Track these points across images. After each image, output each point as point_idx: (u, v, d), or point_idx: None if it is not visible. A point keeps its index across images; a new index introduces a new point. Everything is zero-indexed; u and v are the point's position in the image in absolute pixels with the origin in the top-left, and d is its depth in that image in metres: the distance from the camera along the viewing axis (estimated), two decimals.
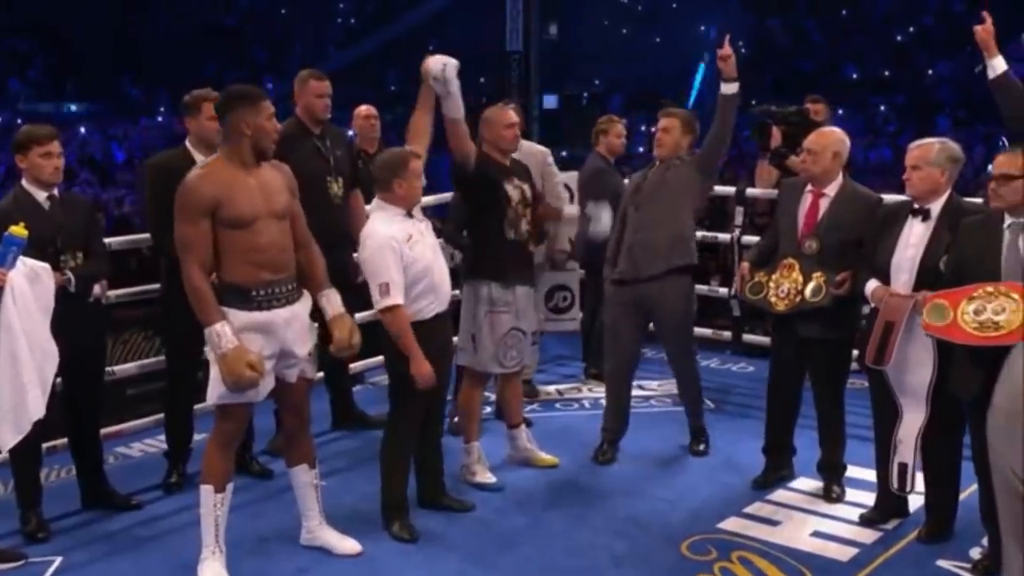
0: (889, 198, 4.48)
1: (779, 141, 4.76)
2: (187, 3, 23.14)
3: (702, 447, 4.16)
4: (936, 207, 3.19)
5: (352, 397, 4.54)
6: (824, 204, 3.56)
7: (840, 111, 17.01)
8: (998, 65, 3.48)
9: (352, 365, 4.65)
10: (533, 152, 4.44)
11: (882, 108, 17.51)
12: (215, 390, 2.97)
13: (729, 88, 3.87)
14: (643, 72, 19.52)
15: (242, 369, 2.86)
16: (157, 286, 3.92)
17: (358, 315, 4.87)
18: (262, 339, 2.97)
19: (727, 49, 3.83)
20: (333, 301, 3.15)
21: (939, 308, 2.95)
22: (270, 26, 23.40)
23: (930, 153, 3.17)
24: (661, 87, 20.11)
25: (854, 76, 19.09)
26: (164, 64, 20.05)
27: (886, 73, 18.72)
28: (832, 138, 3.59)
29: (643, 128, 18.36)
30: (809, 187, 3.61)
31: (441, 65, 3.49)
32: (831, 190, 3.57)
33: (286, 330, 3.02)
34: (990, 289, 2.83)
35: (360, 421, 4.44)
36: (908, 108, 17.16)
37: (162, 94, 20.33)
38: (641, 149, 15.08)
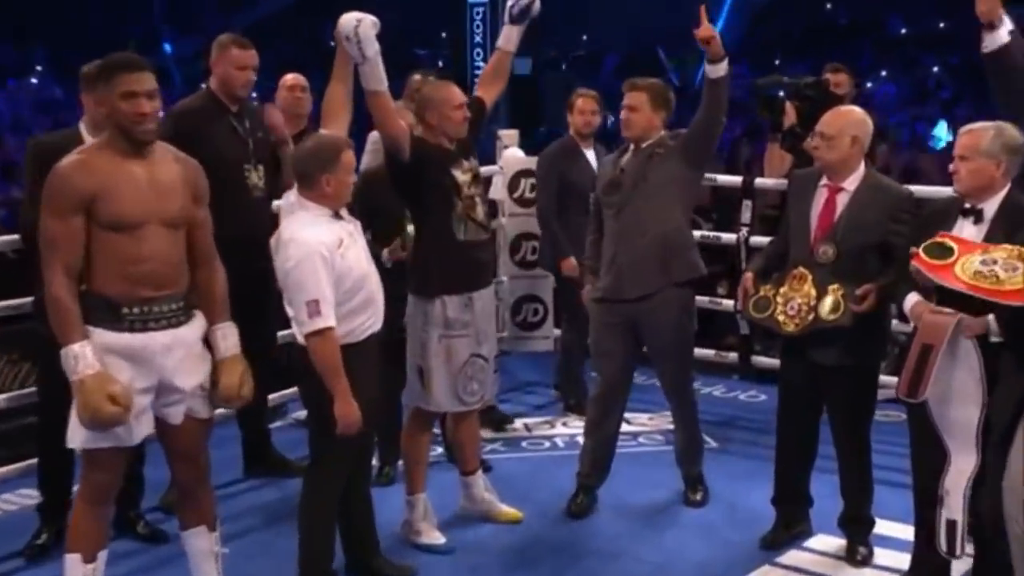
0: (927, 190, 4.63)
1: (793, 119, 4.83)
2: None
3: (699, 496, 4.23)
4: (991, 207, 3.18)
5: (269, 437, 4.57)
6: (842, 201, 3.60)
7: (884, 72, 17.30)
8: (1000, 37, 3.40)
9: (271, 396, 4.68)
10: None
11: (935, 69, 17.71)
12: (77, 432, 2.96)
13: (716, 70, 3.91)
14: (642, 26, 19.61)
15: (100, 402, 2.84)
16: (28, 300, 3.91)
17: (280, 333, 4.97)
18: (131, 368, 2.96)
19: (706, 28, 3.86)
20: (228, 338, 3.16)
21: (944, 247, 3.08)
22: None
23: (982, 140, 3.16)
24: (666, 45, 20.25)
25: (902, 31, 19.30)
26: (40, 14, 19.87)
27: (940, 25, 18.92)
28: (850, 118, 3.64)
29: None
30: (824, 180, 3.65)
31: (354, 22, 3.42)
32: (850, 183, 3.61)
33: (165, 358, 3.01)
34: (1021, 251, 2.96)
35: (279, 467, 4.47)
36: (966, 69, 17.37)
37: (38, 51, 20.17)
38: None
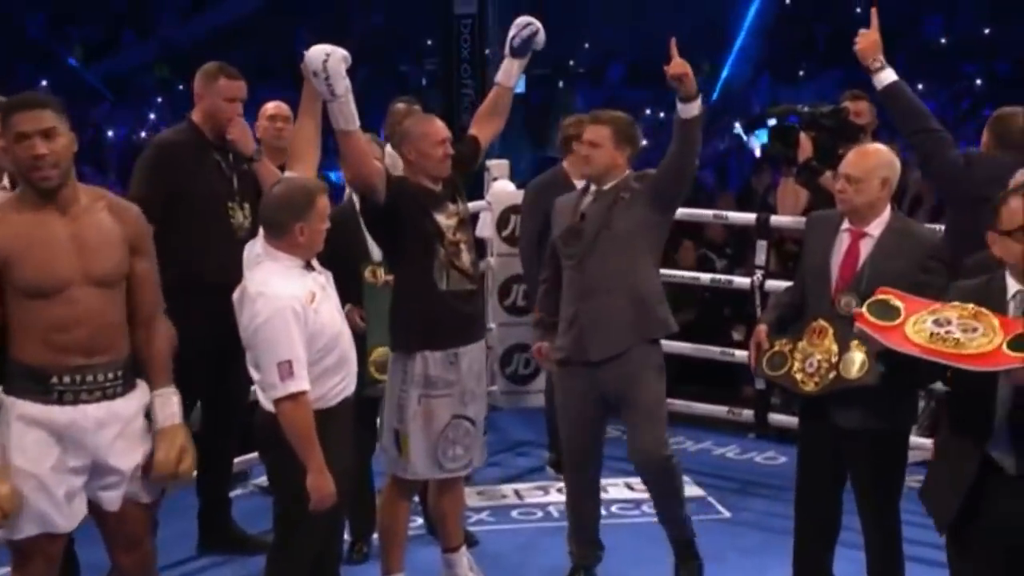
0: None
1: (809, 152, 4.89)
2: None
3: (695, 570, 4.22)
4: None
5: (228, 507, 4.59)
6: (866, 247, 3.65)
7: (920, 85, 17.40)
8: (885, 78, 4.13)
9: (235, 460, 4.71)
10: None
11: (978, 81, 17.83)
12: None
13: (689, 109, 3.93)
14: (650, 31, 19.72)
15: None
16: None
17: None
18: (60, 445, 2.94)
19: (678, 64, 3.91)
20: (167, 407, 3.12)
21: (889, 306, 3.14)
22: None
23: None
24: (680, 51, 20.32)
25: (942, 40, 19.38)
26: None
27: (985, 31, 19.04)
28: (879, 159, 3.69)
29: (647, 112, 18.56)
30: (846, 224, 3.71)
31: (323, 56, 3.45)
32: (875, 228, 3.66)
33: (98, 435, 2.99)
34: (975, 310, 3.01)
35: (239, 543, 4.48)
36: (1014, 79, 17.48)
37: None
38: (644, 143, 15.22)
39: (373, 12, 22.14)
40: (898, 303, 3.17)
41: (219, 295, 3.64)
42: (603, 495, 4.96)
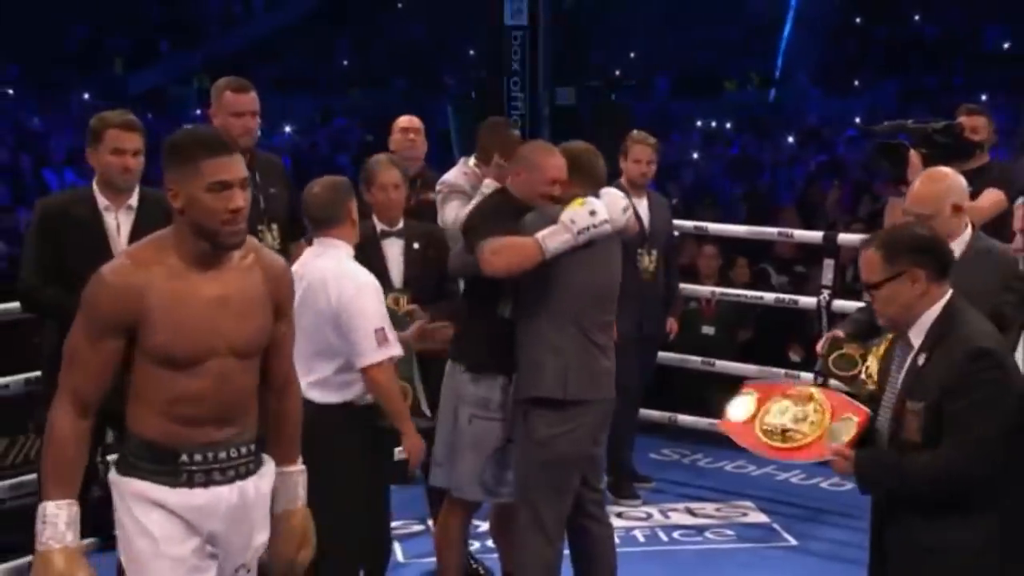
0: None
1: (920, 171, 4.76)
2: None
3: None
4: None
5: None
6: None
7: (984, 96, 17.22)
8: None
9: None
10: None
11: None
12: None
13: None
14: (695, 43, 19.71)
15: None
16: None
17: None
18: (187, 533, 2.57)
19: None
20: (294, 486, 2.78)
21: (745, 401, 3.18)
22: None
23: None
24: (723, 62, 20.25)
25: (1005, 46, 19.18)
26: (12, 21, 20.13)
27: None
28: (944, 186, 3.58)
29: (698, 124, 18.52)
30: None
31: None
32: (956, 248, 3.52)
33: (231, 521, 2.61)
34: (809, 393, 3.07)
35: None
36: None
37: (10, 68, 20.48)
38: (696, 155, 15.18)
39: (414, 23, 22.24)
40: (752, 394, 3.20)
41: None
42: (665, 520, 5.04)
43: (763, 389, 3.20)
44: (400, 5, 22.96)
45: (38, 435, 4.52)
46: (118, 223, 3.80)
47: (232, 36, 22.41)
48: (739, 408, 3.19)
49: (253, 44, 21.87)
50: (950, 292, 2.91)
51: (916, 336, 2.89)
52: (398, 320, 3.88)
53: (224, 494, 2.59)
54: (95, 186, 3.83)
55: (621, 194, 3.89)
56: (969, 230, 3.64)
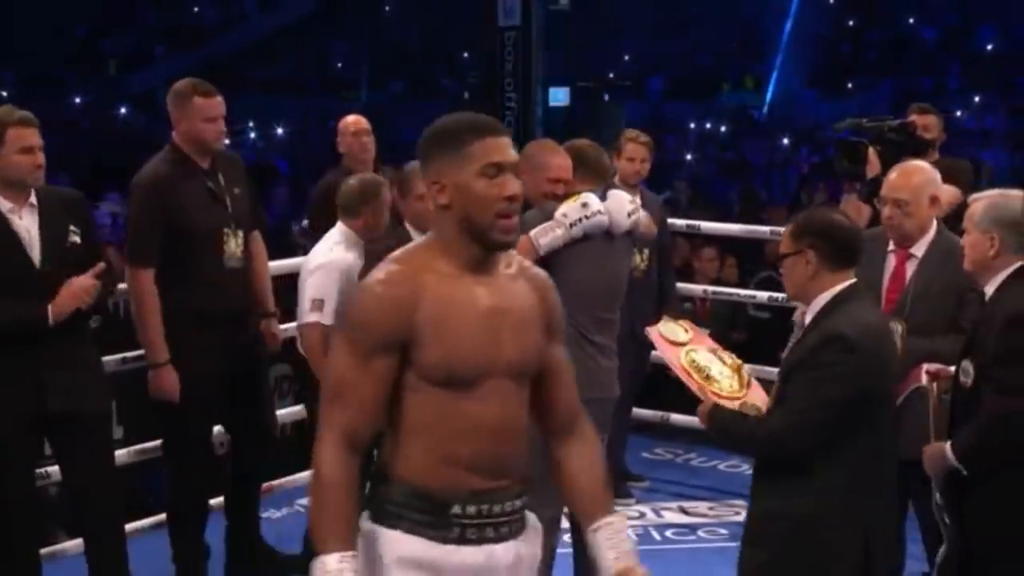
0: None
1: (878, 168, 4.84)
2: None
3: None
4: (991, 288, 3.17)
5: (258, 526, 4.49)
6: (911, 268, 3.61)
7: (977, 98, 17.28)
8: None
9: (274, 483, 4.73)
10: None
11: None
12: None
13: None
14: (691, 44, 19.75)
15: None
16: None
17: (285, 411, 5.04)
18: None
19: None
20: (624, 540, 2.36)
21: (678, 330, 3.21)
22: None
23: (974, 213, 3.19)
24: (718, 64, 20.28)
25: (998, 48, 19.22)
26: (8, 23, 20.12)
27: None
28: (924, 176, 3.63)
29: (692, 125, 18.55)
30: (892, 245, 3.67)
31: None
32: (919, 248, 3.62)
33: None
34: (738, 365, 3.11)
35: (268, 562, 4.41)
36: None
37: (6, 71, 20.50)
38: (689, 157, 15.22)
39: (410, 24, 22.27)
40: (688, 330, 3.23)
41: (226, 323, 3.75)
42: (658, 519, 5.05)
43: (697, 333, 3.23)
44: (387, 8, 22.95)
45: None
46: (26, 225, 3.60)
47: (227, 39, 22.39)
48: (674, 331, 3.21)
49: (248, 47, 21.88)
50: (849, 282, 2.90)
51: (808, 317, 2.94)
52: None
53: (499, 553, 2.25)
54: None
55: (628, 196, 3.86)
56: (935, 227, 3.65)
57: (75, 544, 4.07)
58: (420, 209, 3.84)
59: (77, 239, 3.65)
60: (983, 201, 3.21)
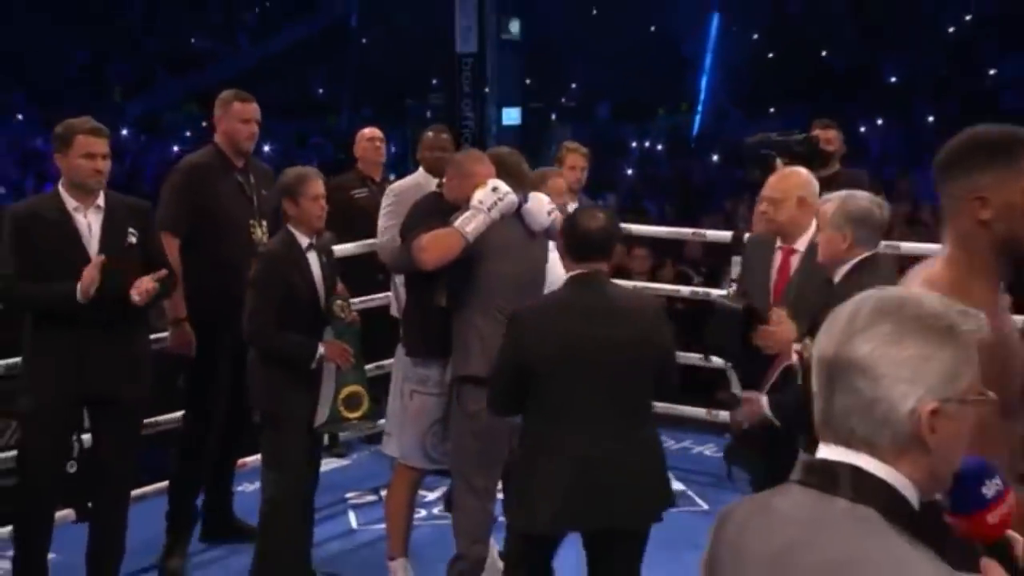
0: (925, 247, 4.63)
1: None
2: None
3: None
4: (838, 275, 3.24)
5: (231, 500, 4.51)
6: (794, 263, 3.63)
7: (879, 121, 17.43)
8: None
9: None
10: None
11: (930, 119, 17.86)
12: None
13: None
14: (632, 72, 19.81)
15: None
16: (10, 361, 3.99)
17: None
18: None
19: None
20: None
21: None
22: (168, 8, 23.40)
23: (827, 213, 3.24)
24: (657, 90, 20.37)
25: (891, 79, 19.42)
26: (20, 51, 19.86)
27: (943, 72, 19.06)
28: (795, 180, 3.67)
29: (633, 144, 18.61)
30: (779, 243, 3.67)
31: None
32: (802, 244, 3.64)
33: None
34: None
35: (237, 533, 4.38)
36: (964, 118, 17.48)
37: (15, 97, 20.19)
38: (629, 172, 15.22)
39: (384, 54, 22.20)
40: None
41: (241, 304, 3.71)
42: None
43: None
44: (364, 40, 22.92)
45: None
46: (88, 222, 3.67)
47: (220, 67, 22.23)
48: None
49: (239, 75, 21.60)
50: (580, 271, 3.18)
51: None
52: (345, 329, 3.84)
53: None
54: (62, 189, 3.69)
55: (546, 198, 3.88)
56: (815, 226, 3.61)
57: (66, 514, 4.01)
58: (315, 210, 3.71)
59: (134, 240, 3.70)
60: (833, 203, 3.27)
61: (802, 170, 3.74)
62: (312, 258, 3.77)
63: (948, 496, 1.27)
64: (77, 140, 3.64)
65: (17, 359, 3.92)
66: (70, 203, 3.65)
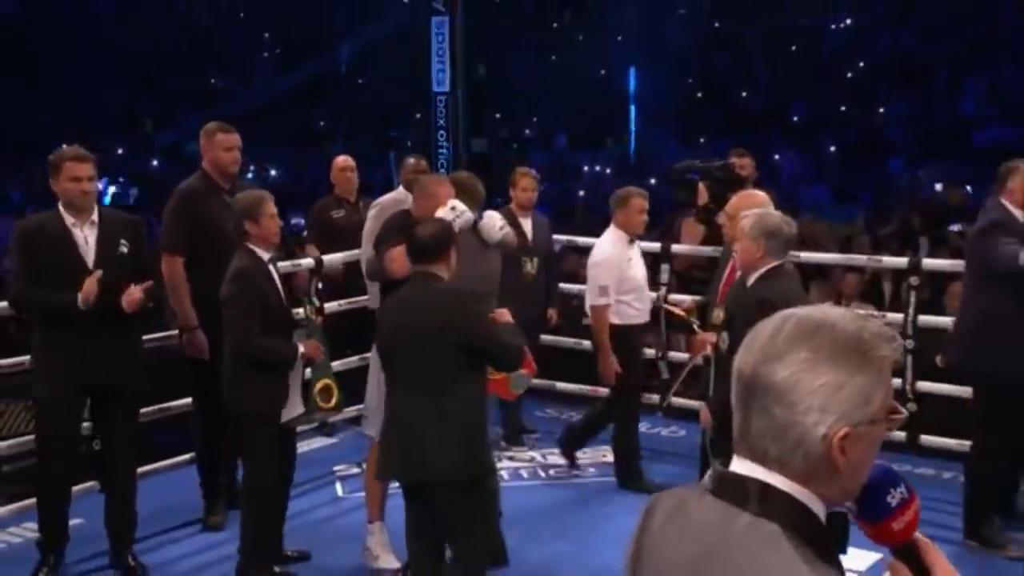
0: (820, 257, 4.61)
1: (705, 198, 4.83)
2: (87, 25, 22.67)
3: None
4: (751, 280, 3.29)
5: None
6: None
7: (791, 154, 17.57)
8: None
9: None
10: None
11: (832, 148, 18.00)
12: None
13: None
14: (585, 108, 19.89)
15: None
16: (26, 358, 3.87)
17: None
18: None
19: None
20: None
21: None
22: (192, 52, 23.20)
23: (744, 227, 3.28)
24: (605, 123, 20.49)
25: (794, 118, 19.68)
26: (65, 92, 19.65)
27: (842, 109, 19.25)
28: (750, 201, 3.69)
29: (585, 169, 18.67)
30: (735, 251, 3.66)
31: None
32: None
33: None
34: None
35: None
36: (859, 148, 17.66)
37: (63, 129, 19.92)
38: (581, 193, 15.26)
39: (373, 93, 22.19)
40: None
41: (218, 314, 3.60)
42: (544, 462, 4.95)
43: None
44: (360, 81, 22.90)
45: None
46: (85, 235, 3.59)
47: (236, 103, 22.12)
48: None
49: (253, 110, 21.61)
50: (414, 270, 3.18)
51: None
52: (314, 329, 3.75)
53: None
54: (61, 208, 3.60)
55: (499, 215, 3.83)
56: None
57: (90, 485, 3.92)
58: (273, 228, 3.58)
59: (125, 250, 3.62)
60: (750, 218, 3.31)
61: (759, 192, 3.83)
62: (272, 270, 3.64)
63: (856, 504, 1.18)
64: (64, 166, 3.56)
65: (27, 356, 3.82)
66: (68, 219, 3.58)
